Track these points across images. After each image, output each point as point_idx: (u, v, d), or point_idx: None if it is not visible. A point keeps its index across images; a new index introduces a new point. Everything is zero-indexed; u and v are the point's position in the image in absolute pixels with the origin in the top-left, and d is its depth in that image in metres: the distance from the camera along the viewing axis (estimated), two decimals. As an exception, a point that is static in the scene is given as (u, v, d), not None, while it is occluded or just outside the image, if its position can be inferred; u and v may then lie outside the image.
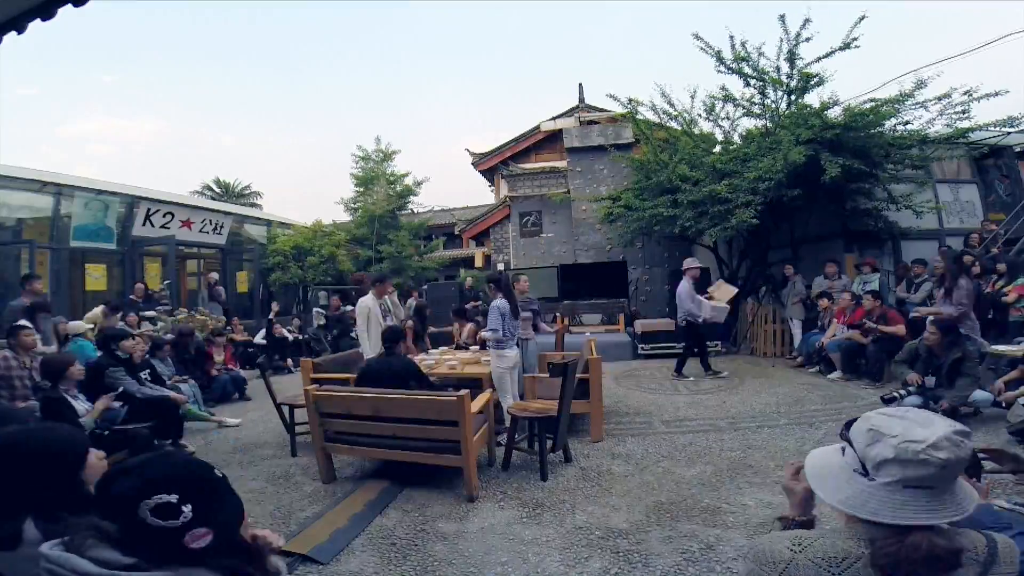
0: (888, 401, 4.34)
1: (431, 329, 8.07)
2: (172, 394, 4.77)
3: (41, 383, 4.00)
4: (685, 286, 6.52)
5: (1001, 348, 4.67)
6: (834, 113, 7.12)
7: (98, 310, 6.28)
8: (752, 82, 8.02)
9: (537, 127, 14.36)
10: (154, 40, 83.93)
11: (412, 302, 9.20)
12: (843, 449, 0.97)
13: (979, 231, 7.54)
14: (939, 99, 7.02)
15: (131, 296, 7.82)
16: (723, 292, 6.91)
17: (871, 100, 7.13)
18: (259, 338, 8.85)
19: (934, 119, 7.20)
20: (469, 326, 7.05)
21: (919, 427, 0.87)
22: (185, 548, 0.92)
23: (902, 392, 4.32)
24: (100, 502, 0.97)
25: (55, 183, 8.51)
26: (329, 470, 3.72)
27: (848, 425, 1.00)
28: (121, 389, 4.28)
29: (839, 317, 6.45)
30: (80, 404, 3.86)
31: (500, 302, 4.49)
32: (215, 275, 9.86)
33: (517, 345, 4.57)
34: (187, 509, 0.92)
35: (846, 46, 7.39)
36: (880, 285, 6.84)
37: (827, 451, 1.03)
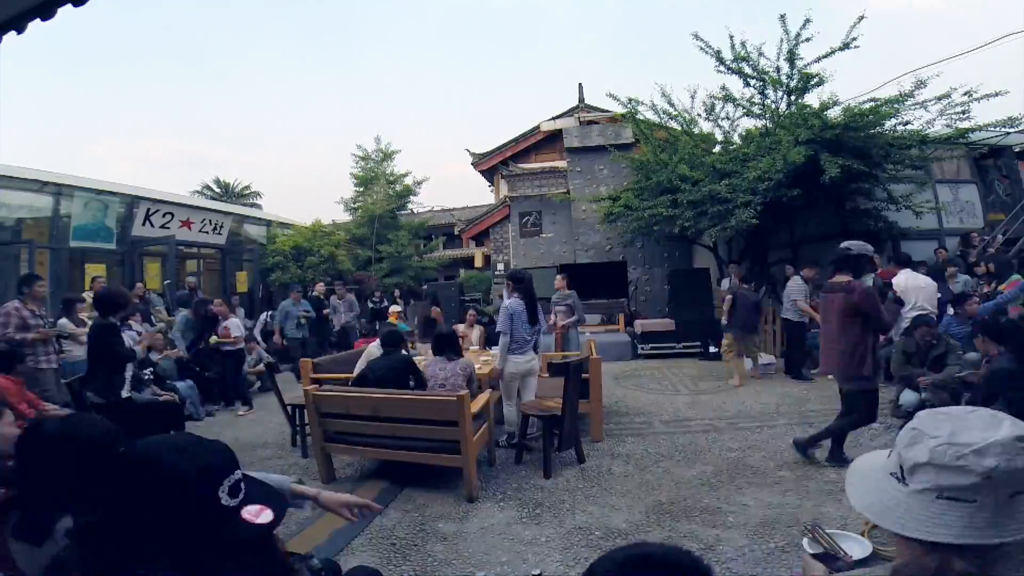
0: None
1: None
2: (164, 396, 4.75)
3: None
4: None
5: None
6: (834, 113, 7.12)
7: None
8: (752, 82, 8.03)
9: (537, 127, 14.37)
10: (150, 45, 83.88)
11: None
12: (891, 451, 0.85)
13: (978, 233, 7.56)
14: (939, 99, 7.02)
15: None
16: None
17: (871, 100, 7.14)
18: (256, 333, 8.77)
19: (934, 119, 7.21)
20: (479, 329, 7.05)
21: (976, 429, 0.73)
22: (244, 524, 0.86)
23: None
24: (165, 494, 0.83)
25: (55, 183, 8.50)
26: (329, 470, 3.72)
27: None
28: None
29: None
30: (130, 335, 3.89)
31: (511, 302, 4.13)
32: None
33: (535, 350, 4.28)
34: (243, 486, 0.91)
35: (846, 46, 7.40)
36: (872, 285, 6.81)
37: (879, 453, 0.89)
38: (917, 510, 0.73)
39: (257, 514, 0.87)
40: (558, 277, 6.69)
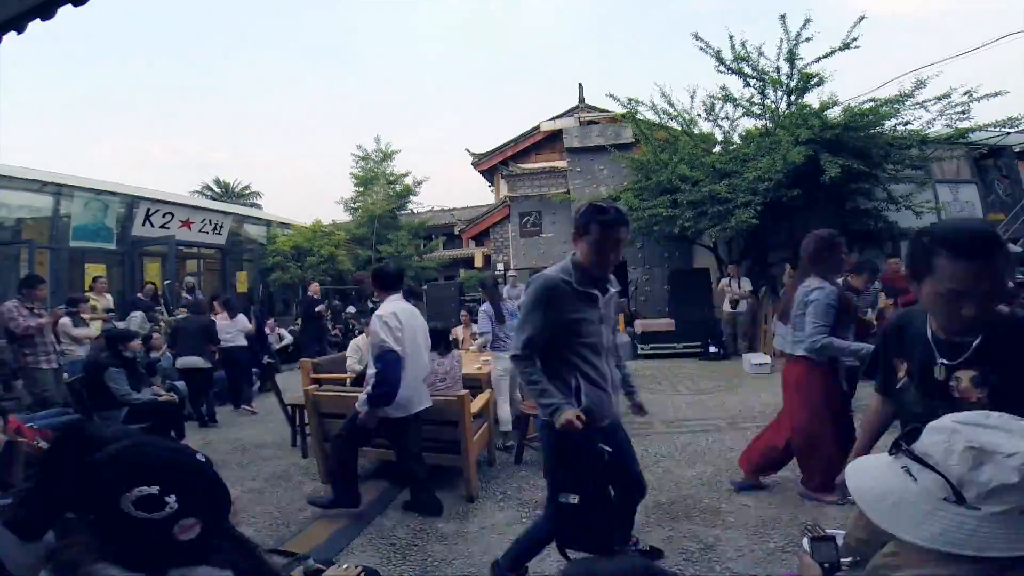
0: None
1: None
2: (163, 396, 4.74)
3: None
4: None
5: None
6: (834, 113, 7.13)
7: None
8: (752, 82, 8.03)
9: (537, 127, 14.38)
10: (151, 46, 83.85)
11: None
12: (906, 470, 0.78)
13: None
14: (939, 99, 7.03)
15: (138, 295, 7.80)
16: None
17: (871, 100, 7.14)
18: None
19: (934, 119, 7.22)
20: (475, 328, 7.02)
21: (1020, 437, 0.72)
22: (177, 542, 0.87)
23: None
24: (82, 498, 0.92)
25: (55, 183, 8.51)
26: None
27: (908, 438, 0.81)
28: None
29: None
30: None
31: (486, 306, 4.61)
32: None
33: None
34: (171, 500, 0.86)
35: (846, 46, 7.40)
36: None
37: (875, 471, 0.83)
38: (997, 531, 0.69)
39: (184, 531, 0.88)
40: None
